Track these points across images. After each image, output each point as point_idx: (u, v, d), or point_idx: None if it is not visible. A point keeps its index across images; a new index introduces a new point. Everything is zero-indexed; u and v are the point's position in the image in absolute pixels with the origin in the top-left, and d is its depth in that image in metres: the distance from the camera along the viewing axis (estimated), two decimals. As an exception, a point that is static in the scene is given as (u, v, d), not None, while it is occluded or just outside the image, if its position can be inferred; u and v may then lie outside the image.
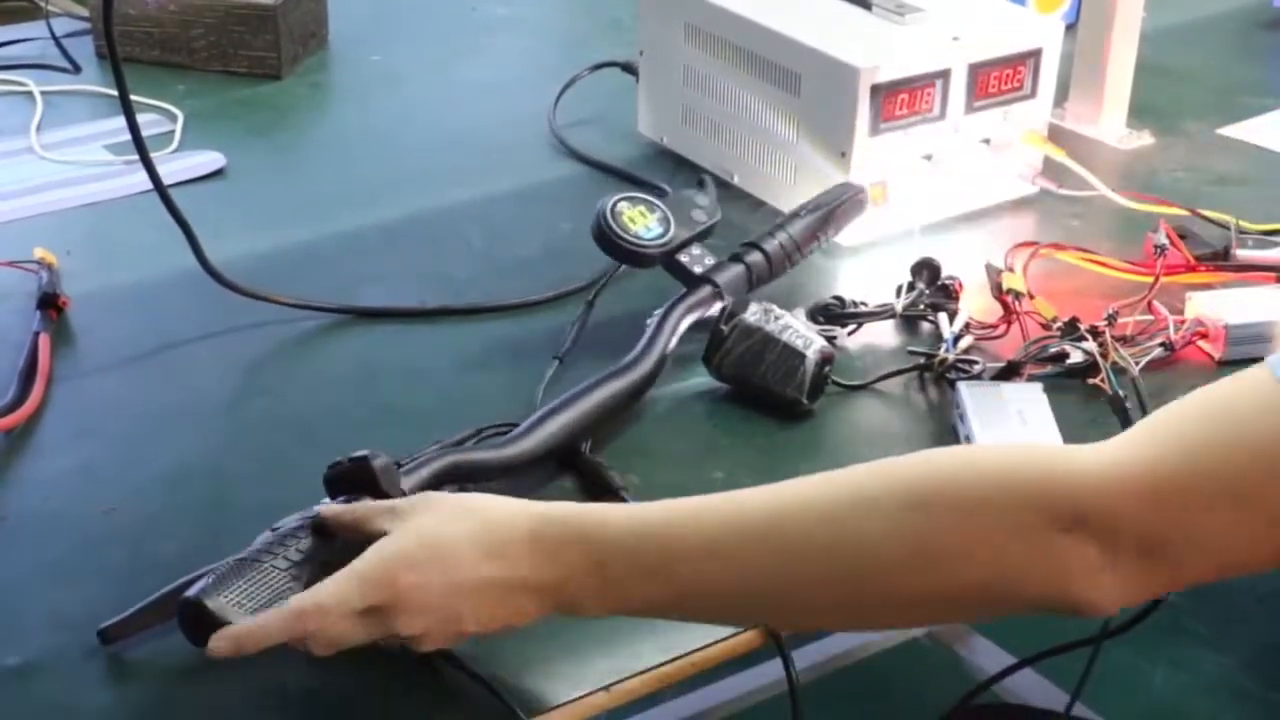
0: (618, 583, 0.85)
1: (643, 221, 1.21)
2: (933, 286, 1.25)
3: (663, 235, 1.21)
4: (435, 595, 0.84)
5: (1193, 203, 1.40)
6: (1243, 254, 1.33)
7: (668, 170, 1.50)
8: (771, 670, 1.26)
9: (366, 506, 0.89)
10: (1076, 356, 1.15)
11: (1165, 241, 1.29)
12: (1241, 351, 1.18)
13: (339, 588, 0.84)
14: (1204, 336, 1.20)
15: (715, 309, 1.19)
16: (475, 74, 1.78)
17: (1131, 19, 1.56)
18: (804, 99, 1.36)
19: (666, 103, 1.52)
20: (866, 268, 1.34)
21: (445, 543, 0.85)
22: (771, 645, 0.95)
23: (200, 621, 0.85)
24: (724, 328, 1.14)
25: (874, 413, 1.15)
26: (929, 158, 1.37)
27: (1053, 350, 1.16)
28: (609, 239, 1.20)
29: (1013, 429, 1.08)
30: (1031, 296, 1.22)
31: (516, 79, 1.77)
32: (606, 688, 0.91)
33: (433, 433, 1.04)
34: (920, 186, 1.37)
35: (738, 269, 1.22)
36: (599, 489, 1.04)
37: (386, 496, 0.91)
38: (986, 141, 1.40)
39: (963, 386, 1.13)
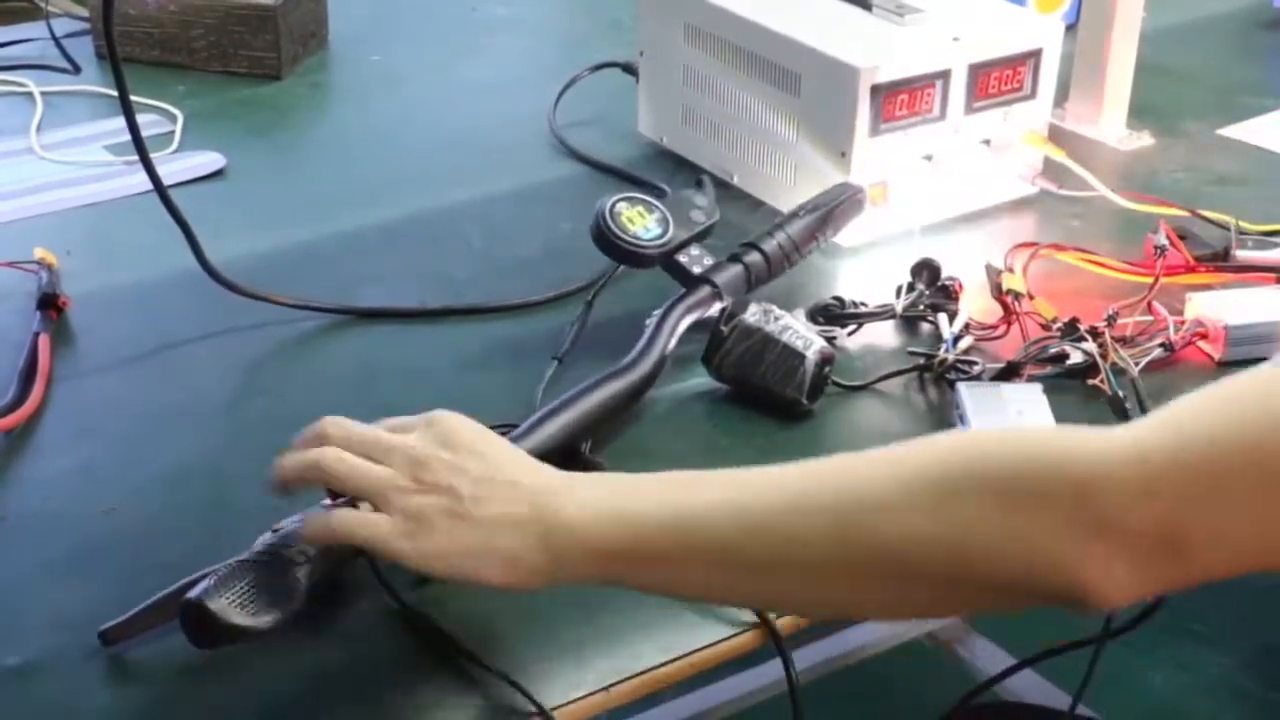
0: (621, 577, 0.85)
1: (641, 222, 1.21)
2: (933, 287, 1.25)
3: (662, 236, 1.21)
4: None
5: (1193, 203, 1.40)
6: (1243, 254, 1.33)
7: (667, 171, 1.50)
8: (771, 670, 1.26)
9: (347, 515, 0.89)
10: (1076, 357, 1.15)
11: (1165, 242, 1.29)
12: (1241, 352, 1.18)
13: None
14: (1204, 337, 1.21)
15: (714, 309, 1.19)
16: (475, 74, 1.78)
17: (1131, 19, 1.56)
18: (804, 99, 1.36)
19: (666, 103, 1.52)
20: (866, 268, 1.34)
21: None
22: (771, 645, 0.95)
23: (202, 623, 0.85)
24: (724, 328, 1.14)
25: (874, 413, 1.15)
26: (929, 158, 1.37)
27: (1052, 351, 1.16)
28: (608, 239, 1.20)
29: (1012, 429, 1.08)
30: (1031, 297, 1.22)
31: (516, 79, 1.77)
32: (606, 688, 0.91)
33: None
34: (920, 187, 1.37)
35: (736, 269, 1.22)
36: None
37: None
38: (986, 142, 1.40)
39: (962, 387, 1.13)
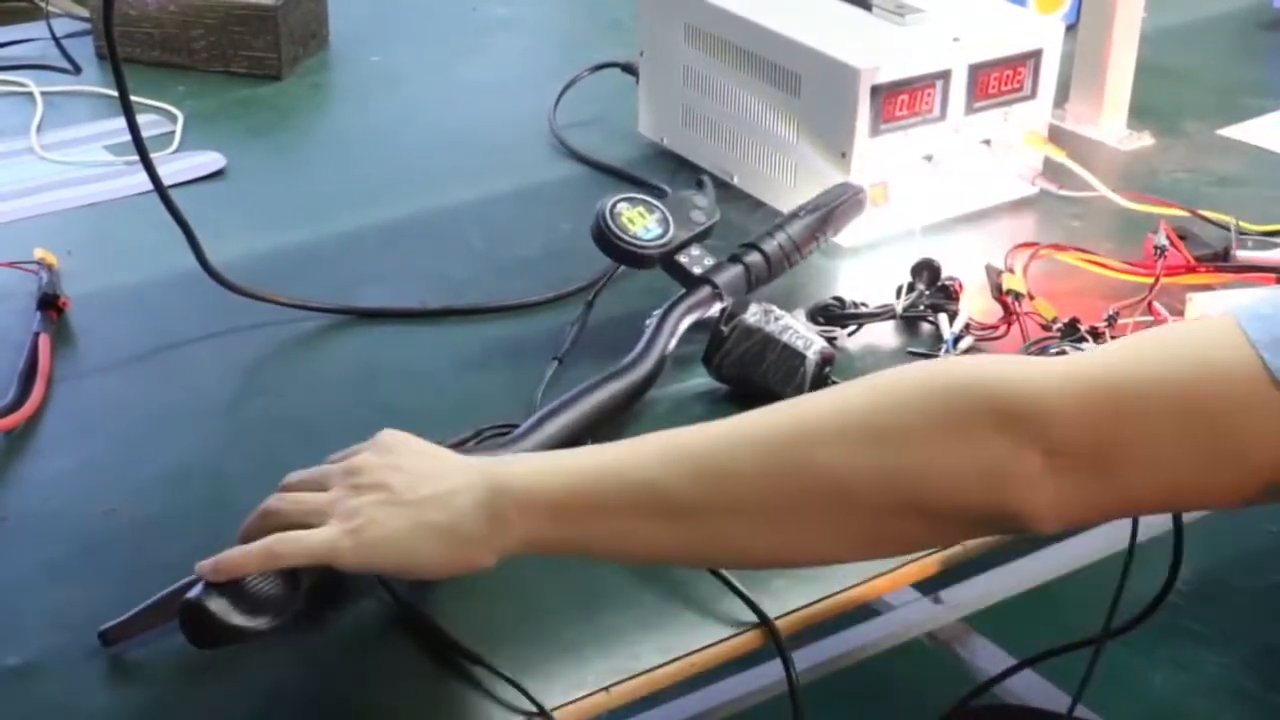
0: (562, 538, 0.85)
1: (642, 222, 1.21)
2: (933, 287, 1.25)
3: (662, 236, 1.21)
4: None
5: (1193, 203, 1.40)
6: (1243, 255, 1.33)
7: (668, 171, 1.50)
8: (771, 670, 1.26)
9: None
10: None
11: (1165, 242, 1.29)
12: (1241, 352, 1.18)
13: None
14: (1204, 337, 1.20)
15: (714, 310, 1.19)
16: (475, 74, 1.78)
17: (1131, 19, 1.56)
18: (804, 100, 1.36)
19: (666, 103, 1.52)
20: (866, 268, 1.34)
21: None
22: (771, 645, 0.95)
23: (201, 624, 0.85)
24: (724, 328, 1.14)
25: (874, 413, 1.15)
26: (929, 158, 1.37)
27: (1053, 351, 1.16)
28: (608, 239, 1.20)
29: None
30: (1031, 297, 1.22)
31: (516, 79, 1.77)
32: (606, 689, 0.91)
33: (433, 433, 1.04)
34: (920, 187, 1.37)
35: (737, 269, 1.22)
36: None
37: None
38: (987, 142, 1.40)
39: (963, 387, 1.12)
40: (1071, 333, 1.18)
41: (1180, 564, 1.15)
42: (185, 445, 1.12)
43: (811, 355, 1.12)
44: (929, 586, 1.86)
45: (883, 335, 1.23)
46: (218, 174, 1.51)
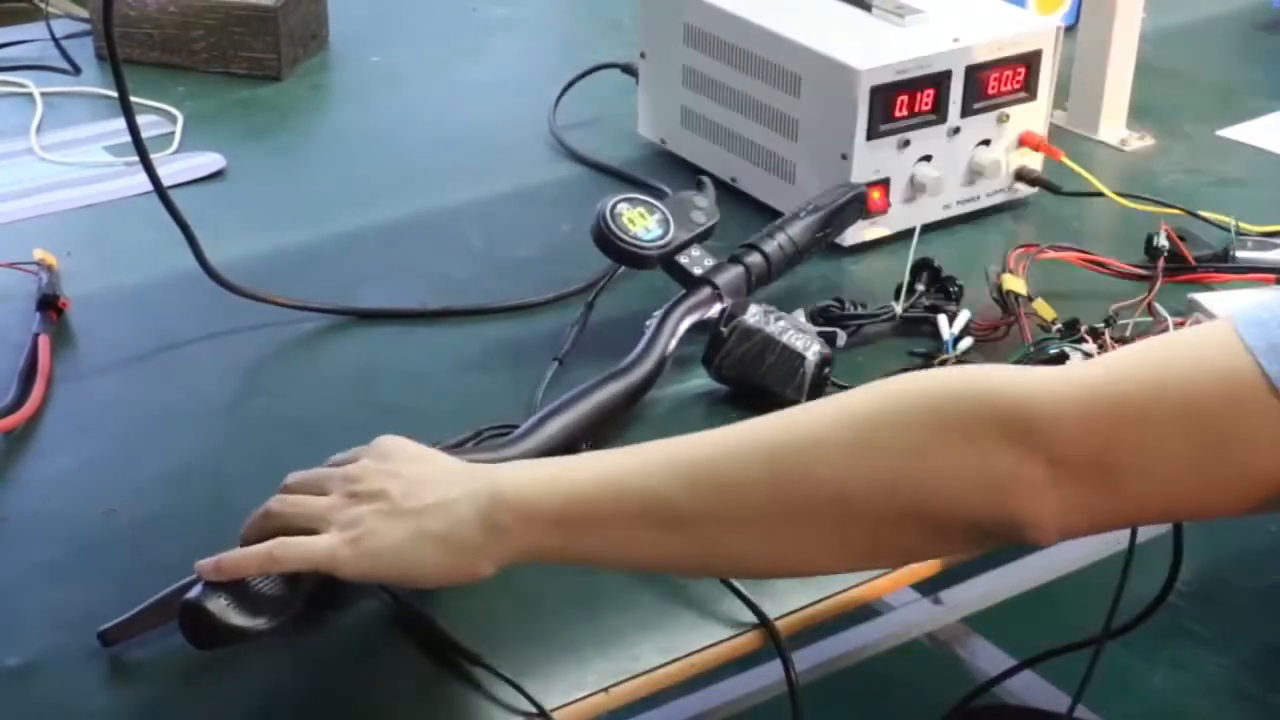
0: (561, 547, 0.85)
1: (642, 223, 1.21)
2: (932, 288, 1.25)
3: (662, 236, 1.21)
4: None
5: (1193, 204, 1.40)
6: (1243, 255, 1.33)
7: (668, 172, 1.49)
8: (771, 670, 1.26)
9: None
10: (1076, 358, 1.15)
11: (1165, 243, 1.29)
12: (1241, 353, 1.18)
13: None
14: (1204, 338, 1.20)
15: (715, 310, 1.19)
16: (475, 74, 1.78)
17: (1131, 20, 1.56)
18: (804, 100, 1.36)
19: (666, 104, 1.52)
20: (866, 269, 1.34)
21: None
22: (771, 645, 0.95)
23: (201, 624, 0.85)
24: (724, 329, 1.14)
25: (874, 414, 1.15)
26: (929, 159, 1.37)
27: (1052, 351, 1.16)
28: (608, 240, 1.20)
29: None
30: (1031, 298, 1.22)
31: (516, 79, 1.77)
32: (606, 689, 0.91)
33: (432, 434, 1.04)
34: (920, 188, 1.37)
35: (737, 270, 1.22)
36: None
37: None
38: (986, 143, 1.40)
39: (963, 388, 1.12)
40: (1071, 333, 1.17)
41: (1180, 564, 1.15)
42: (185, 445, 1.12)
43: (811, 356, 1.12)
44: (929, 587, 1.86)
45: (883, 336, 1.23)
46: (217, 174, 1.51)
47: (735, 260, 1.23)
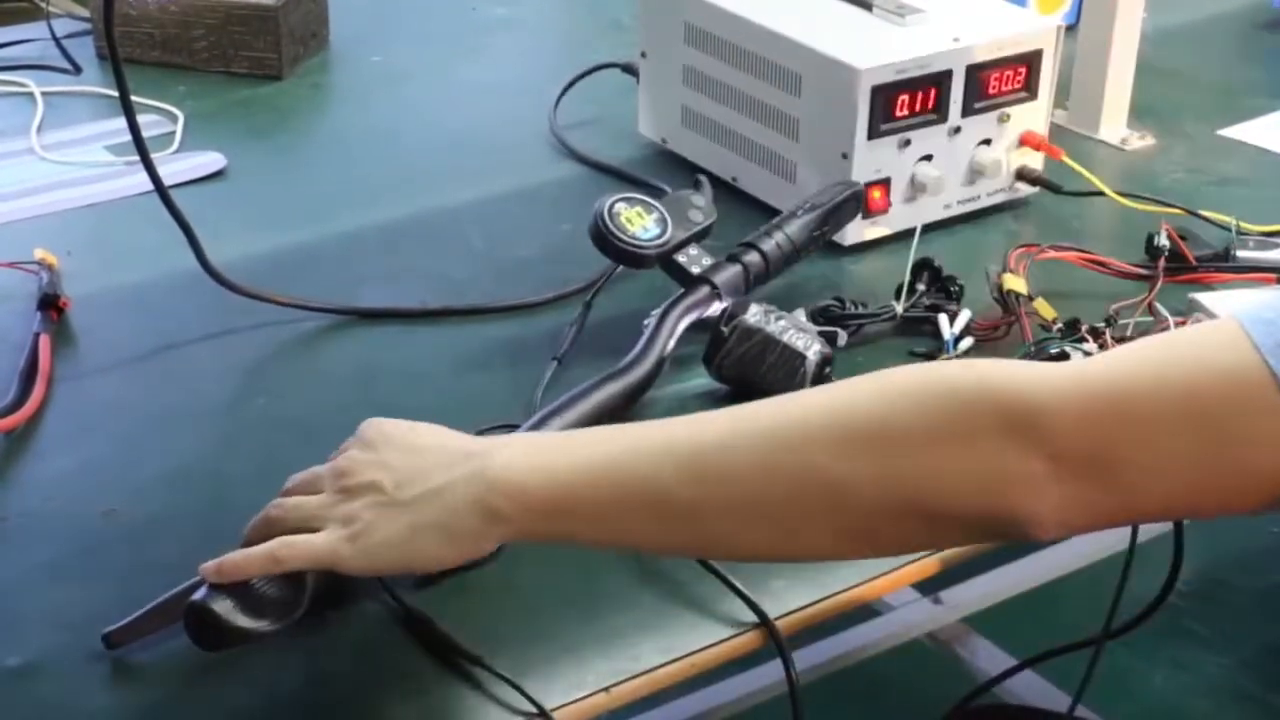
0: (558, 533, 0.85)
1: (640, 222, 1.21)
2: (933, 287, 1.25)
3: (660, 236, 1.21)
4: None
5: (1193, 204, 1.40)
6: (1243, 255, 1.33)
7: (668, 171, 1.49)
8: (771, 670, 1.26)
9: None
10: (1077, 358, 1.15)
11: (1166, 242, 1.29)
12: (1242, 352, 1.18)
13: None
14: (1204, 337, 1.20)
15: (713, 309, 1.19)
16: (475, 74, 1.78)
17: (1132, 20, 1.56)
18: (804, 100, 1.36)
19: (667, 103, 1.52)
20: (867, 269, 1.34)
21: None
22: (771, 645, 0.95)
23: (206, 626, 0.86)
24: (724, 329, 1.14)
25: (874, 414, 1.15)
26: (929, 158, 1.37)
27: (1053, 351, 1.16)
28: (606, 239, 1.20)
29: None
30: (1032, 297, 1.22)
31: (516, 79, 1.77)
32: (606, 689, 0.91)
33: (433, 434, 1.04)
34: (921, 187, 1.37)
35: (735, 269, 1.22)
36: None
37: None
38: (987, 142, 1.40)
39: (963, 387, 1.12)
40: (1071, 333, 1.18)
41: (1180, 564, 1.15)
42: (185, 445, 1.12)
43: (812, 356, 1.12)
44: (929, 586, 1.86)
45: (883, 335, 1.23)
46: (218, 174, 1.51)
47: (733, 259, 1.23)
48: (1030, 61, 1.39)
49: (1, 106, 1.64)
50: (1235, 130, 1.63)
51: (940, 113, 1.36)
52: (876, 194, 1.35)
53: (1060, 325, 1.19)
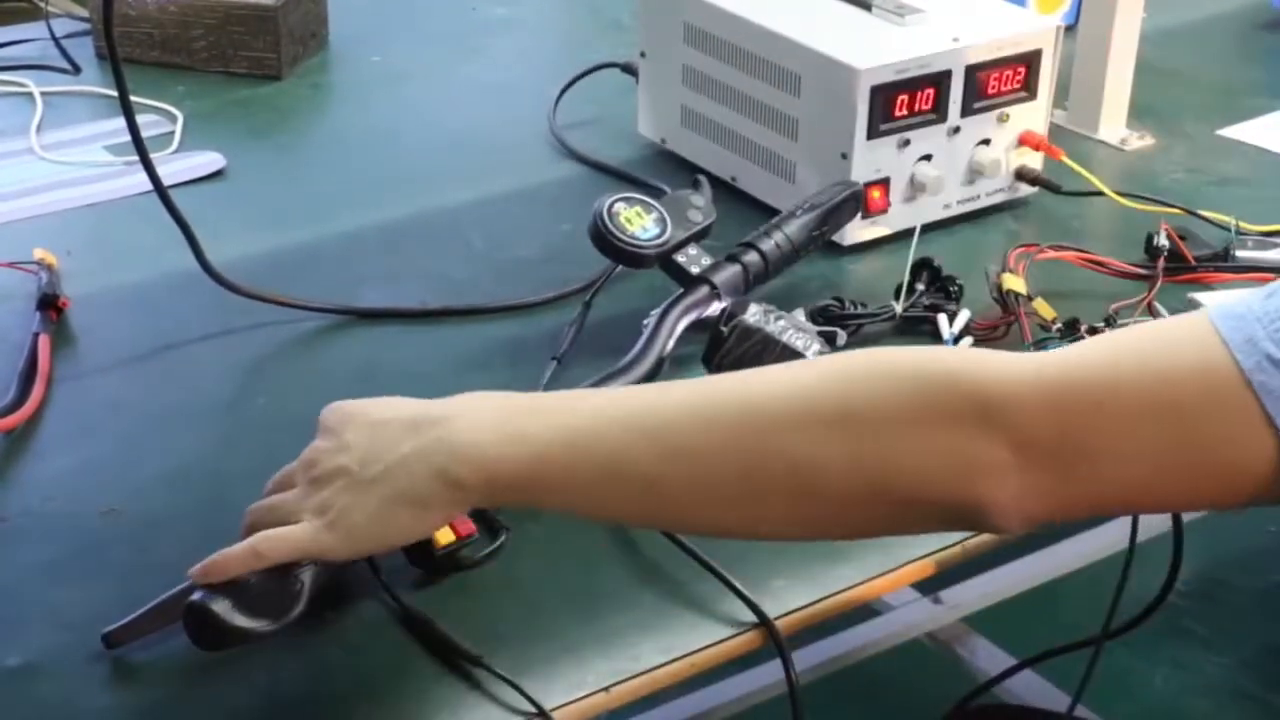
0: (524, 500, 0.86)
1: (639, 222, 1.21)
2: (932, 287, 1.25)
3: (659, 235, 1.21)
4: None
5: (1193, 204, 1.40)
6: (1243, 255, 1.33)
7: (668, 171, 1.49)
8: (771, 670, 1.26)
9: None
10: (1075, 357, 1.15)
11: (1166, 242, 1.29)
12: (1241, 352, 1.18)
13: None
14: (1204, 337, 1.20)
15: (712, 309, 1.19)
16: (475, 74, 1.78)
17: (1131, 20, 1.56)
18: (804, 100, 1.36)
19: (666, 103, 1.52)
20: (866, 268, 1.34)
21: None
22: (771, 645, 0.95)
23: (206, 626, 0.86)
24: (724, 328, 1.14)
25: (874, 413, 1.15)
26: (929, 158, 1.37)
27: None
28: (605, 239, 1.20)
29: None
30: (1031, 297, 1.22)
31: (516, 79, 1.77)
32: (606, 689, 0.91)
33: (432, 433, 1.04)
34: (920, 187, 1.37)
35: (734, 269, 1.22)
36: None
37: None
38: (986, 142, 1.40)
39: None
40: (1071, 332, 1.18)
41: (1180, 564, 1.16)
42: (185, 445, 1.12)
43: (811, 355, 1.12)
44: (929, 586, 1.86)
45: (883, 335, 1.23)
46: (217, 174, 1.51)
47: (732, 259, 1.23)
48: (1030, 61, 1.39)
49: (1, 106, 1.64)
50: (1235, 130, 1.63)
51: (940, 113, 1.36)
52: (876, 194, 1.35)
53: (1060, 325, 1.19)
